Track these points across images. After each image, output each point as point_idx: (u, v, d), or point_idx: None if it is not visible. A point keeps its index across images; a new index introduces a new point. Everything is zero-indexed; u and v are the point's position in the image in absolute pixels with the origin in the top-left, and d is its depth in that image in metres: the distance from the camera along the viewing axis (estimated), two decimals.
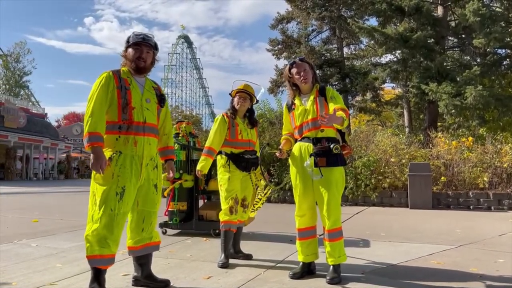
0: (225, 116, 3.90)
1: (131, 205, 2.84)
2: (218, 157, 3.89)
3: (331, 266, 3.17)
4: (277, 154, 3.36)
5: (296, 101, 3.37)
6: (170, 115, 3.29)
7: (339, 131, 3.32)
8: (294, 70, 3.34)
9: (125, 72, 2.91)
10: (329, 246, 3.17)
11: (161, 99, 3.04)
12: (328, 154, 3.15)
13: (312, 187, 3.24)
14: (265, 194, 3.78)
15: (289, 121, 3.49)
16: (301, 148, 3.28)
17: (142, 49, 2.90)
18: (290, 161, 3.41)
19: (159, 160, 3.04)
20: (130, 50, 2.91)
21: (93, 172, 2.78)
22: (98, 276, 2.79)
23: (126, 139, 2.80)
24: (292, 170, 3.37)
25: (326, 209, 3.15)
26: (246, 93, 3.94)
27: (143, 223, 2.91)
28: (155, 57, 3.03)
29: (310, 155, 3.18)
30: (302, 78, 3.29)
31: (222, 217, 3.76)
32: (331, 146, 3.14)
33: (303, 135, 3.29)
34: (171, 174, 3.17)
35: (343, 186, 3.30)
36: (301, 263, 3.33)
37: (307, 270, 3.31)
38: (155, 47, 2.99)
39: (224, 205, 3.76)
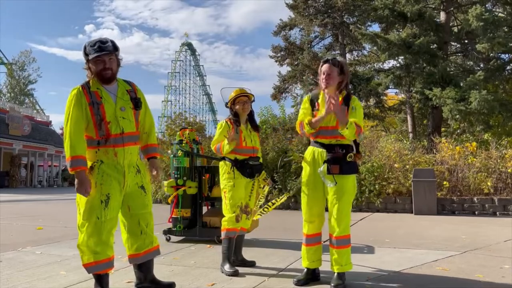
0: (229, 122, 3.85)
1: (118, 210, 2.84)
2: (221, 163, 3.85)
3: (336, 273, 3.14)
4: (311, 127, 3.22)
5: (320, 101, 3.27)
6: (151, 113, 3.18)
7: (353, 140, 3.26)
8: (321, 69, 3.25)
9: (94, 84, 2.84)
10: (336, 253, 3.15)
11: (136, 103, 2.93)
12: (342, 162, 3.13)
13: (323, 193, 3.22)
14: (280, 199, 3.76)
15: (309, 114, 3.31)
16: (315, 153, 3.24)
17: (103, 59, 2.79)
18: (303, 165, 3.37)
19: (141, 164, 3.00)
20: (91, 64, 2.81)
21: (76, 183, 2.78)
22: (100, 281, 2.81)
23: (106, 151, 2.80)
24: (304, 175, 3.32)
25: (337, 216, 3.13)
26: (245, 96, 3.86)
27: (139, 226, 2.90)
28: (119, 58, 2.90)
29: (324, 162, 3.16)
30: (324, 80, 3.21)
31: (227, 224, 3.70)
32: (345, 154, 3.13)
33: (317, 140, 3.26)
34: (155, 172, 3.07)
35: (354, 194, 3.28)
36: (305, 270, 3.31)
37: (312, 277, 3.29)
38: (115, 49, 2.85)
39: (228, 213, 3.72)
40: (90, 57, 2.78)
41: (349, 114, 3.16)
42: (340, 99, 3.17)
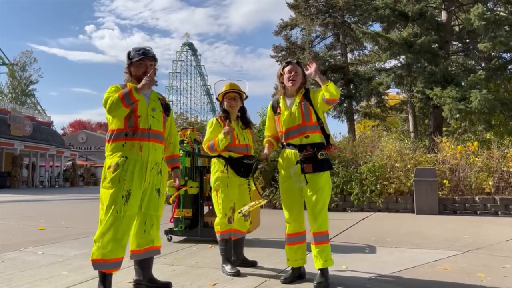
0: (219, 120, 3.78)
1: (137, 208, 2.91)
2: (214, 160, 3.75)
3: (319, 271, 3.19)
4: (262, 156, 3.43)
5: (281, 104, 3.41)
6: (175, 125, 3.38)
7: (323, 133, 3.34)
8: (286, 69, 3.39)
9: (131, 86, 2.98)
10: (315, 249, 3.21)
11: (166, 108, 3.16)
12: (314, 160, 3.20)
13: (300, 193, 3.29)
14: (258, 203, 3.69)
15: (273, 123, 3.52)
16: (288, 155, 3.32)
17: (146, 63, 3.01)
18: (278, 168, 3.45)
19: (164, 166, 3.13)
20: (134, 66, 3.02)
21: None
22: (103, 280, 2.85)
23: (132, 145, 2.91)
24: (280, 177, 3.42)
25: (312, 213, 3.21)
26: (234, 92, 3.81)
27: (145, 225, 2.99)
28: (156, 68, 3.14)
29: (297, 162, 3.23)
30: (291, 77, 3.33)
31: (220, 228, 3.65)
32: (317, 152, 3.20)
33: (289, 142, 3.33)
34: (177, 182, 3.27)
35: (330, 190, 3.34)
36: (291, 269, 3.36)
37: (298, 275, 3.34)
38: (155, 58, 3.09)
39: (220, 214, 3.65)
40: (134, 60, 2.99)
41: (316, 94, 3.25)
42: (300, 96, 3.33)
